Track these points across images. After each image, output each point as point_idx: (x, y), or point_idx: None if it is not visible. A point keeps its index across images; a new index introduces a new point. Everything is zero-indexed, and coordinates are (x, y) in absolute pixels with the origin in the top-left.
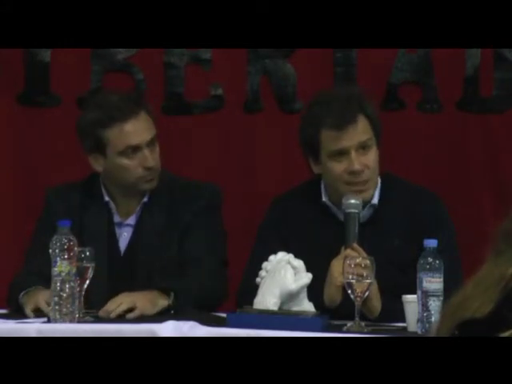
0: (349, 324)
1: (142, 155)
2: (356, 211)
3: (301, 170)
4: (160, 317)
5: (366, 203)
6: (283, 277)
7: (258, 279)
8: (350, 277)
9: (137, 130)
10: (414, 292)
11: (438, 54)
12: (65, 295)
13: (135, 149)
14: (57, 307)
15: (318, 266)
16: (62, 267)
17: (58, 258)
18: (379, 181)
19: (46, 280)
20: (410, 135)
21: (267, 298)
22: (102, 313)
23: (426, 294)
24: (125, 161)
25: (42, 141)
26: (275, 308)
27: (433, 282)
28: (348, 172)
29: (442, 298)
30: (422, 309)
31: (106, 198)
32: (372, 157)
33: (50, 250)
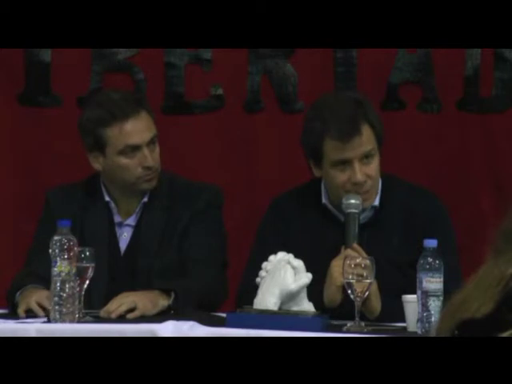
0: (349, 324)
1: (141, 155)
2: (356, 211)
3: (301, 170)
4: (160, 317)
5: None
6: (283, 277)
7: (257, 279)
8: (350, 277)
9: (137, 129)
10: (413, 292)
11: (438, 54)
12: (65, 295)
13: (135, 148)
14: (57, 307)
15: (317, 266)
16: (61, 267)
17: (58, 258)
18: (380, 183)
19: (46, 280)
20: (410, 135)
21: (267, 298)
22: (102, 313)
23: (426, 294)
24: (124, 160)
25: (42, 141)
26: (275, 308)
27: (433, 282)
28: (351, 182)
29: (441, 298)
30: (422, 309)
31: (107, 198)
32: (374, 166)
33: (50, 250)
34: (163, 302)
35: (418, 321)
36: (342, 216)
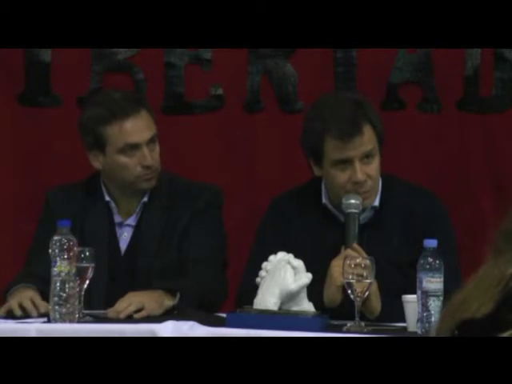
0: (349, 324)
1: (141, 154)
2: (356, 211)
3: (301, 170)
4: (161, 317)
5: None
6: (283, 277)
7: (257, 279)
8: (350, 277)
9: (137, 128)
10: (413, 292)
11: (438, 54)
12: (65, 295)
13: (134, 147)
14: (57, 307)
15: (317, 266)
16: (61, 267)
17: (58, 258)
18: (380, 183)
19: (45, 280)
20: (410, 135)
21: (267, 298)
22: (111, 313)
23: (426, 294)
24: (124, 159)
25: (42, 141)
26: (275, 308)
27: (433, 282)
28: (351, 182)
29: (441, 298)
30: (422, 309)
31: (107, 198)
32: (375, 166)
33: (50, 250)
34: (168, 302)
35: (418, 321)
36: (342, 216)
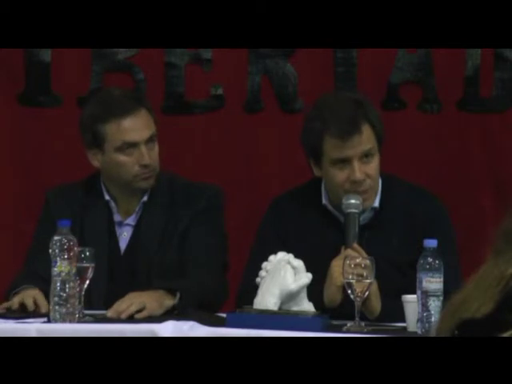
0: (349, 324)
1: (138, 152)
2: (356, 211)
3: (301, 169)
4: (161, 317)
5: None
6: (283, 277)
7: (257, 279)
8: (350, 277)
9: (135, 126)
10: (413, 292)
11: (438, 54)
12: (65, 295)
13: (132, 145)
14: (57, 307)
15: (317, 266)
16: (62, 267)
17: (58, 258)
18: (380, 183)
19: (45, 280)
20: (410, 135)
21: (267, 298)
22: (111, 312)
23: (426, 294)
24: (121, 157)
25: (42, 141)
26: (275, 308)
27: (432, 282)
28: (350, 181)
29: (441, 298)
30: (422, 309)
31: (107, 197)
32: (374, 165)
33: (50, 250)
34: (168, 301)
35: (418, 321)
36: (342, 216)
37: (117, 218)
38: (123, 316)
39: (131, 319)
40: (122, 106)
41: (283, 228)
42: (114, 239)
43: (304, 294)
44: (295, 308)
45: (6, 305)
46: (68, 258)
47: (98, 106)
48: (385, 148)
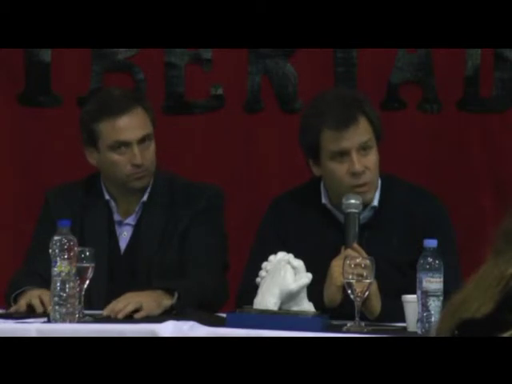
0: (349, 324)
1: (131, 152)
2: (356, 211)
3: (301, 169)
4: (161, 317)
5: (366, 205)
6: (283, 277)
7: (257, 279)
8: (350, 277)
9: (129, 126)
10: (413, 292)
11: (438, 54)
12: (65, 295)
13: (125, 145)
14: (57, 307)
15: (317, 266)
16: (62, 267)
17: (58, 258)
18: (379, 182)
19: (45, 280)
20: (410, 135)
21: (267, 298)
22: (107, 311)
23: (426, 294)
24: (114, 156)
25: (42, 141)
26: (275, 308)
27: (433, 282)
28: (349, 173)
29: (441, 298)
30: (422, 309)
31: (107, 197)
32: (373, 158)
33: (50, 250)
34: (166, 301)
35: (418, 321)
36: (341, 216)
37: (117, 217)
38: (119, 316)
39: (130, 319)
40: (117, 104)
41: (283, 228)
42: (114, 239)
43: (304, 294)
44: (295, 308)
45: (13, 309)
46: (68, 258)
47: (94, 105)
48: (385, 148)
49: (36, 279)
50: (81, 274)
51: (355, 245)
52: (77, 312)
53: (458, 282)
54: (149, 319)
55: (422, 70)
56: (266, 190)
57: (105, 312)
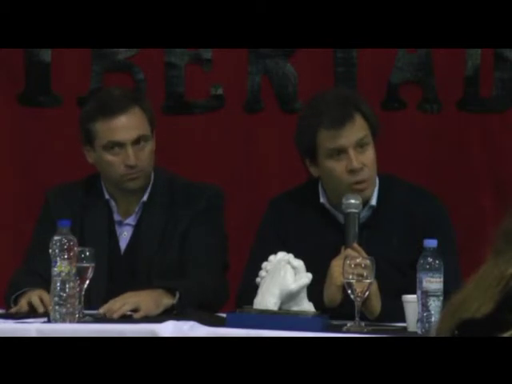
0: (349, 324)
1: (125, 152)
2: (356, 211)
3: (301, 169)
4: (161, 317)
5: (364, 204)
6: (283, 277)
7: (257, 279)
8: (350, 277)
9: (123, 126)
10: (413, 292)
11: (438, 54)
12: (65, 295)
13: (119, 145)
14: (57, 307)
15: (317, 266)
16: (62, 267)
17: (58, 258)
18: (377, 182)
19: (45, 280)
20: (410, 135)
21: (267, 298)
22: (103, 309)
23: (426, 294)
24: (109, 156)
25: (42, 141)
26: (275, 308)
27: (433, 282)
28: (348, 171)
29: (441, 298)
30: (422, 309)
31: (107, 197)
32: (370, 155)
33: (50, 250)
34: (167, 301)
35: (418, 321)
36: (341, 216)
37: (117, 217)
38: (115, 316)
39: (130, 319)
40: (114, 104)
41: (283, 228)
42: (114, 239)
43: (304, 294)
44: (295, 308)
45: (14, 309)
46: (68, 258)
47: (93, 104)
48: (385, 148)
49: (36, 279)
50: (81, 274)
51: (355, 245)
52: (77, 312)
53: (458, 282)
54: (149, 319)
55: (422, 70)
56: (266, 190)
57: (101, 310)
